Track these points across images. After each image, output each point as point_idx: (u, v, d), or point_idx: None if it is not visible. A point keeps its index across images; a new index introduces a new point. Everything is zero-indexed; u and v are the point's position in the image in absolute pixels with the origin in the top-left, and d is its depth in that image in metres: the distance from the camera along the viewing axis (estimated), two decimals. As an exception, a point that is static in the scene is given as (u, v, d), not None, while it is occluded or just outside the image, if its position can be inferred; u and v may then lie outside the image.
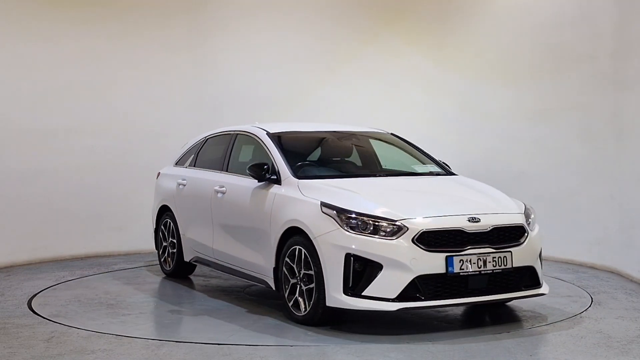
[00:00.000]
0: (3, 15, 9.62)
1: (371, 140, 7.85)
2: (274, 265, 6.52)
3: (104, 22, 10.24)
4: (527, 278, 6.20)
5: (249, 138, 7.59)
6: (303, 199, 6.31)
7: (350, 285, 5.79)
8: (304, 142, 7.60)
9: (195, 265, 8.35)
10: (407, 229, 5.79)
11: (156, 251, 8.99)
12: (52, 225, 9.91)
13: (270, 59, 10.96)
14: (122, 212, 10.36)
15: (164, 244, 8.66)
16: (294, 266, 6.25)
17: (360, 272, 5.79)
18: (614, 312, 6.64)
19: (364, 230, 5.84)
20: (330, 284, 5.86)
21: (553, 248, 9.00)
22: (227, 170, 7.65)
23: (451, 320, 6.46)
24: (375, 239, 5.79)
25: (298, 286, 6.22)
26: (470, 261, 5.84)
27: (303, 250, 6.13)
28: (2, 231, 9.48)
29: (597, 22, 8.86)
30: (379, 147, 7.82)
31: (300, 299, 6.19)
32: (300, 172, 6.76)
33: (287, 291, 6.34)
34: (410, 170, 7.36)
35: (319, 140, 7.63)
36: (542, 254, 6.53)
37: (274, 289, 6.59)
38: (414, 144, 7.92)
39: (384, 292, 5.72)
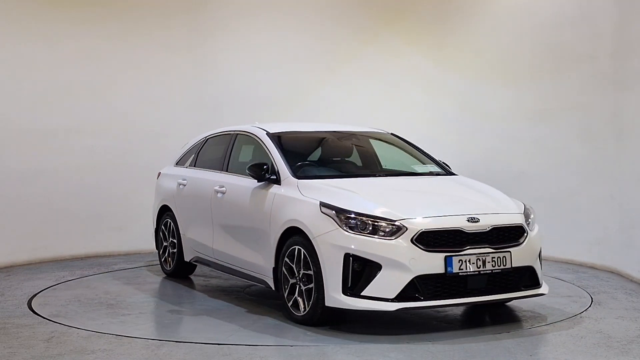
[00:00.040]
0: (3, 15, 9.62)
1: (371, 140, 7.85)
2: (273, 265, 6.52)
3: (104, 22, 10.25)
4: (526, 278, 6.20)
5: (249, 138, 7.59)
6: (302, 199, 6.31)
7: (349, 285, 5.79)
8: (304, 142, 7.60)
9: (196, 265, 8.35)
10: (406, 229, 5.79)
11: (156, 251, 8.99)
12: (52, 225, 9.91)
13: (270, 59, 10.97)
14: (122, 212, 10.36)
15: (164, 244, 8.66)
16: (294, 266, 6.25)
17: (360, 272, 5.78)
18: (614, 312, 6.64)
19: (363, 230, 5.84)
20: (330, 284, 5.86)
21: (553, 248, 9.00)
22: (227, 170, 7.65)
23: (451, 320, 6.46)
24: (375, 239, 5.79)
25: (297, 286, 6.22)
26: (469, 261, 5.84)
27: (302, 250, 6.13)
28: (2, 231, 9.48)
29: (597, 22, 8.86)
30: (379, 147, 7.82)
31: (300, 299, 6.19)
32: (299, 172, 6.76)
33: (287, 291, 6.34)
34: (410, 170, 7.36)
35: (319, 140, 7.63)
36: (542, 254, 6.53)
37: (273, 289, 6.59)
38: (414, 144, 7.92)
39: (383, 292, 5.72)
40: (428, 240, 5.80)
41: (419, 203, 6.24)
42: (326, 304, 5.92)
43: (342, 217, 5.91)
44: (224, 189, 7.43)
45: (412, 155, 7.67)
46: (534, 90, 9.75)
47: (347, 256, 5.79)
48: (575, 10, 9.18)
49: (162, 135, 10.49)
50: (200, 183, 7.96)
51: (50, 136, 9.91)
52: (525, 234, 6.20)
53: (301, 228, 6.15)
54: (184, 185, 8.25)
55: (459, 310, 6.73)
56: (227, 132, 8.10)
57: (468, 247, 5.87)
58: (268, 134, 7.30)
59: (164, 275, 8.65)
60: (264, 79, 10.90)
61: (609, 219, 8.70)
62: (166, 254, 8.64)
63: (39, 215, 9.83)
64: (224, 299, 7.39)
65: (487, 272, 5.90)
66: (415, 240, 5.77)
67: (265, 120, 8.76)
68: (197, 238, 7.93)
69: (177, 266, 8.42)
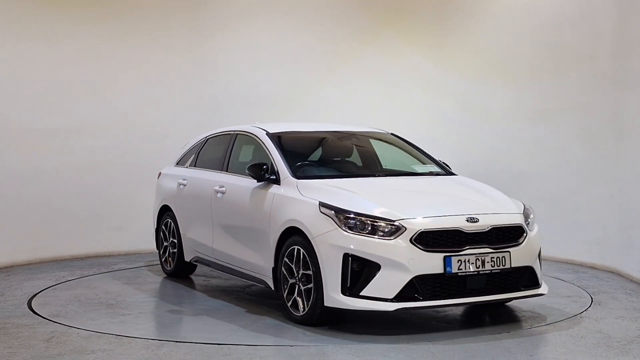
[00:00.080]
0: (3, 15, 9.62)
1: (371, 140, 7.85)
2: (272, 265, 6.52)
3: (104, 22, 10.25)
4: (526, 278, 6.19)
5: (249, 138, 7.59)
6: (302, 199, 6.31)
7: (348, 285, 5.79)
8: (304, 142, 7.60)
9: (196, 265, 8.35)
10: (405, 229, 5.79)
11: (157, 251, 8.99)
12: (52, 225, 9.91)
13: (270, 59, 10.97)
14: (122, 212, 10.36)
15: (165, 243, 8.66)
16: (293, 266, 6.25)
17: (359, 272, 5.78)
18: (614, 312, 6.63)
19: (362, 230, 5.84)
20: (329, 284, 5.86)
21: (553, 248, 9.00)
22: (227, 170, 7.66)
23: (450, 321, 6.46)
24: (374, 239, 5.79)
25: (297, 286, 6.22)
26: (468, 261, 5.83)
27: (301, 250, 6.13)
28: (2, 231, 9.48)
29: (597, 22, 8.86)
30: (379, 147, 7.82)
31: (299, 299, 6.19)
32: (299, 172, 6.76)
33: (286, 291, 6.34)
34: (409, 170, 7.36)
35: (318, 140, 7.63)
36: (542, 254, 6.53)
37: (273, 289, 6.59)
38: (414, 144, 7.92)
39: (382, 292, 5.72)
40: (427, 240, 5.79)
41: (418, 203, 6.24)
42: (325, 304, 5.91)
43: (341, 217, 5.91)
44: (224, 189, 7.43)
45: (412, 155, 7.67)
46: (534, 90, 9.75)
47: (346, 256, 5.79)
48: (575, 10, 9.18)
49: (162, 135, 10.49)
50: (200, 183, 7.97)
51: (50, 136, 9.91)
52: (525, 234, 6.19)
53: (300, 228, 6.15)
54: (184, 185, 8.26)
55: (459, 311, 6.73)
56: (227, 132, 8.10)
57: (467, 247, 5.87)
58: (268, 134, 7.30)
59: (165, 275, 8.65)
60: (264, 79, 10.90)
61: (609, 219, 8.70)
62: (166, 254, 8.64)
63: (39, 215, 9.83)
64: (223, 298, 7.39)
65: (486, 272, 5.90)
66: (414, 240, 5.77)
67: (265, 120, 8.76)
68: (197, 238, 7.93)
69: (177, 266, 8.42)
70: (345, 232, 5.85)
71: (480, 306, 6.69)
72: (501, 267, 5.96)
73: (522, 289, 6.16)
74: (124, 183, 10.37)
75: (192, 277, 8.56)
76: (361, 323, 6.25)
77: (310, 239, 6.02)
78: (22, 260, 9.54)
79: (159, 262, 8.94)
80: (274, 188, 6.69)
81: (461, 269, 5.81)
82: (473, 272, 5.84)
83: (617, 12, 8.53)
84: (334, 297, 5.84)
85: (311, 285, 6.03)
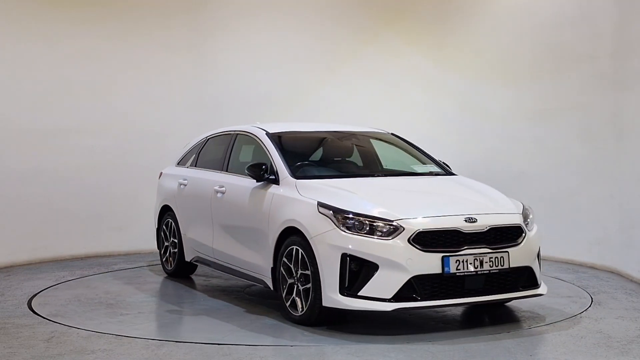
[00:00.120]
0: (3, 15, 9.63)
1: (372, 140, 7.85)
2: (272, 265, 6.52)
3: (104, 22, 10.25)
4: (524, 278, 6.19)
5: (249, 138, 7.60)
6: (300, 199, 6.31)
7: (346, 285, 5.79)
8: (304, 142, 7.60)
9: (197, 265, 8.35)
10: (403, 229, 5.79)
11: (157, 251, 9.00)
12: (52, 225, 9.91)
13: (270, 59, 10.97)
14: (122, 212, 10.36)
15: (166, 243, 8.67)
16: (291, 266, 6.25)
17: (357, 272, 5.78)
18: (614, 312, 6.63)
19: (360, 230, 5.84)
20: (327, 284, 5.86)
21: (553, 248, 9.01)
22: (227, 170, 7.66)
23: (449, 321, 6.45)
24: (372, 239, 5.79)
25: (295, 286, 6.23)
26: (466, 261, 5.83)
27: (300, 250, 6.13)
28: (2, 231, 9.48)
29: (597, 22, 8.86)
30: (379, 147, 7.82)
31: (298, 299, 6.19)
32: (298, 172, 6.77)
33: (285, 291, 6.35)
34: (409, 170, 7.36)
35: (318, 140, 7.63)
36: (542, 254, 6.52)
37: (272, 289, 6.60)
38: (414, 144, 7.92)
39: (380, 293, 5.72)
40: (425, 240, 5.79)
41: (416, 203, 6.23)
42: (323, 304, 5.91)
43: (340, 217, 5.91)
44: (223, 189, 7.43)
45: (412, 155, 7.67)
46: (534, 90, 9.75)
47: (344, 256, 5.79)
48: (575, 10, 9.18)
49: (162, 135, 10.49)
50: (200, 183, 7.97)
51: (50, 136, 9.91)
52: (524, 234, 6.18)
53: (299, 228, 6.15)
54: (185, 185, 8.26)
55: (458, 311, 6.73)
56: (227, 132, 8.10)
57: (465, 247, 5.86)
58: (267, 134, 7.30)
59: (165, 275, 8.66)
60: (264, 79, 10.90)
61: (609, 219, 8.70)
62: (167, 254, 8.65)
63: (39, 215, 9.83)
64: (223, 298, 7.39)
65: (485, 272, 5.90)
66: (412, 240, 5.76)
67: (265, 120, 8.76)
68: (197, 238, 7.94)
69: (178, 266, 8.43)
70: (343, 232, 5.85)
71: (479, 306, 6.69)
72: (500, 267, 5.95)
73: (521, 289, 6.15)
74: (124, 183, 10.37)
75: (193, 277, 8.57)
76: (360, 323, 6.25)
77: (308, 239, 6.02)
78: (22, 260, 9.54)
79: (159, 262, 8.94)
80: (273, 188, 6.69)
81: (459, 269, 5.80)
82: (471, 272, 5.84)
83: (617, 12, 8.53)
84: (332, 297, 5.84)
85: (310, 285, 6.03)
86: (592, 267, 8.88)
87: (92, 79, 10.20)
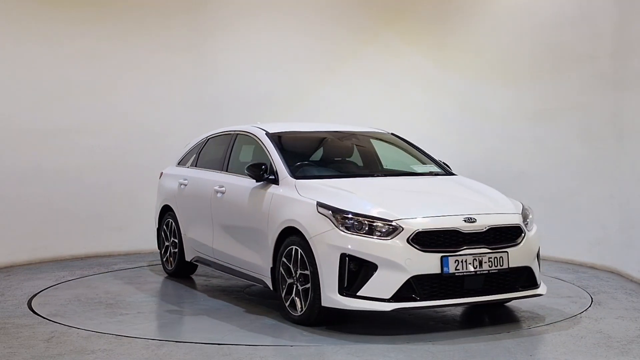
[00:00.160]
0: (3, 15, 9.63)
1: (372, 141, 7.84)
2: (271, 265, 6.53)
3: (104, 22, 10.25)
4: (524, 278, 6.18)
5: (249, 138, 7.60)
6: (300, 199, 6.31)
7: (345, 285, 5.79)
8: (303, 142, 7.60)
9: (197, 265, 8.35)
10: (402, 229, 5.79)
11: (158, 251, 9.00)
12: (52, 225, 9.91)
13: (270, 59, 10.97)
14: (122, 212, 10.36)
15: (166, 243, 8.67)
16: (291, 266, 6.25)
17: (356, 272, 5.78)
18: (614, 312, 6.63)
19: (360, 230, 5.84)
20: (326, 284, 5.86)
21: (553, 248, 9.01)
22: (227, 170, 7.66)
23: (449, 321, 6.45)
24: (371, 239, 5.79)
25: (295, 286, 6.23)
26: (465, 261, 5.83)
27: (299, 250, 6.13)
28: (2, 231, 9.48)
29: (597, 22, 8.86)
30: (379, 147, 7.82)
31: (297, 299, 6.19)
32: (298, 172, 6.77)
33: (284, 291, 6.35)
34: (409, 171, 7.36)
35: (318, 140, 7.63)
36: (542, 254, 6.52)
37: (271, 289, 6.60)
38: (414, 144, 7.92)
39: (378, 293, 5.72)
40: (424, 240, 5.79)
41: (415, 203, 6.23)
42: (322, 304, 5.91)
43: (339, 217, 5.91)
44: (223, 189, 7.43)
45: (412, 155, 7.66)
46: (534, 90, 9.75)
47: (343, 256, 5.79)
48: (575, 10, 9.18)
49: (162, 135, 10.50)
50: (200, 183, 7.97)
51: (50, 136, 9.91)
52: (523, 235, 6.18)
53: (298, 228, 6.15)
54: (185, 185, 8.26)
55: (458, 311, 6.73)
56: (227, 132, 8.11)
57: (465, 247, 5.86)
58: (267, 134, 7.30)
59: (166, 275, 8.66)
60: (264, 79, 10.90)
61: (608, 219, 8.70)
62: (168, 254, 8.65)
63: (39, 215, 9.83)
64: (223, 298, 7.39)
65: (484, 272, 5.89)
66: (411, 240, 5.76)
67: (266, 120, 8.76)
68: (197, 238, 7.94)
69: (178, 266, 8.43)
70: (342, 232, 5.85)
71: (479, 306, 6.69)
72: (499, 267, 5.95)
73: (520, 289, 6.15)
74: (124, 183, 10.37)
75: (193, 277, 8.57)
76: (359, 323, 6.25)
77: (307, 239, 6.02)
78: (22, 260, 9.54)
79: (160, 262, 8.94)
80: (273, 188, 6.69)
81: (458, 269, 5.80)
82: (471, 272, 5.84)
83: (617, 12, 8.53)
84: (331, 297, 5.84)
85: (309, 285, 6.03)
86: (592, 267, 8.88)
87: (92, 79, 10.21)
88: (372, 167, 7.56)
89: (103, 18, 10.25)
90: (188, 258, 8.22)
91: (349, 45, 11.29)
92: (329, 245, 5.86)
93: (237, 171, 7.45)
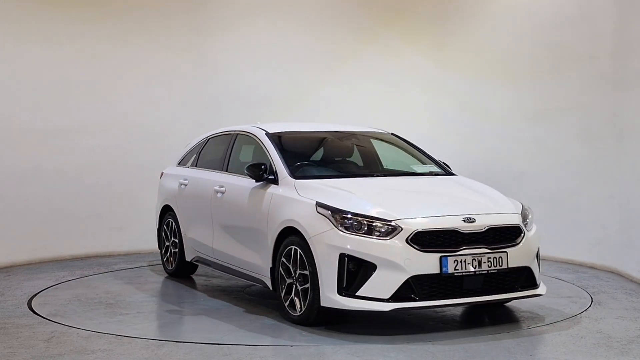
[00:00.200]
0: (3, 15, 9.63)
1: (372, 140, 7.84)
2: (270, 265, 6.53)
3: (104, 22, 10.25)
4: (523, 279, 6.18)
5: (249, 138, 7.60)
6: (299, 199, 6.31)
7: (344, 285, 5.79)
8: (303, 142, 7.60)
9: (198, 265, 8.35)
10: (401, 229, 5.79)
11: (158, 251, 9.00)
12: (52, 225, 9.91)
13: (270, 59, 10.97)
14: (122, 212, 10.37)
15: (166, 243, 8.68)
16: (290, 266, 6.25)
17: (355, 272, 5.78)
18: (614, 312, 6.63)
19: (359, 230, 5.83)
20: (325, 284, 5.86)
21: (553, 248, 9.01)
22: (227, 170, 7.66)
23: (449, 321, 6.45)
24: (370, 239, 5.79)
25: (294, 286, 6.23)
26: (465, 261, 5.83)
27: (298, 250, 6.13)
28: (2, 231, 9.48)
29: (597, 22, 8.86)
30: (379, 147, 7.82)
31: (296, 299, 6.19)
32: (298, 172, 6.77)
33: (284, 291, 6.35)
34: (409, 170, 7.36)
35: (318, 140, 7.63)
36: (542, 254, 6.52)
37: (271, 289, 6.60)
38: (414, 144, 7.92)
39: (377, 293, 5.72)
40: (423, 240, 5.79)
41: (415, 203, 6.23)
42: (321, 304, 5.91)
43: (338, 217, 5.91)
44: (223, 189, 7.43)
45: (412, 155, 7.66)
46: (534, 90, 9.75)
47: (342, 256, 5.79)
48: (575, 10, 9.18)
49: (162, 135, 10.50)
50: (200, 183, 7.97)
51: (50, 136, 9.91)
52: (522, 235, 6.18)
53: (297, 228, 6.15)
54: (185, 185, 8.27)
55: (458, 311, 6.73)
56: (227, 132, 8.11)
57: (464, 247, 5.86)
58: (267, 134, 7.30)
59: (166, 275, 8.66)
60: (264, 79, 10.90)
61: (608, 219, 8.70)
62: (168, 254, 8.65)
63: (39, 215, 9.83)
64: (223, 298, 7.40)
65: (483, 272, 5.89)
66: (410, 240, 5.76)
67: (266, 120, 8.77)
68: (197, 238, 7.94)
69: (178, 266, 8.44)
70: (341, 232, 5.85)
71: (479, 306, 6.69)
72: (498, 267, 5.95)
73: (519, 289, 6.15)
74: (124, 183, 10.37)
75: (194, 276, 8.57)
76: (358, 323, 6.25)
77: (307, 239, 6.02)
78: (22, 260, 9.54)
79: (160, 262, 8.95)
80: (272, 188, 6.69)
81: (457, 269, 5.80)
82: (470, 272, 5.83)
83: (617, 12, 8.53)
84: (330, 297, 5.84)
85: (308, 285, 6.03)
86: (592, 267, 8.88)
87: (92, 79, 10.21)
88: (372, 167, 7.56)
89: (103, 18, 10.25)
90: (188, 258, 8.23)
91: (349, 45, 11.29)
92: (328, 245, 5.86)
93: (237, 171, 7.45)
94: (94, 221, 10.19)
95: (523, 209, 6.47)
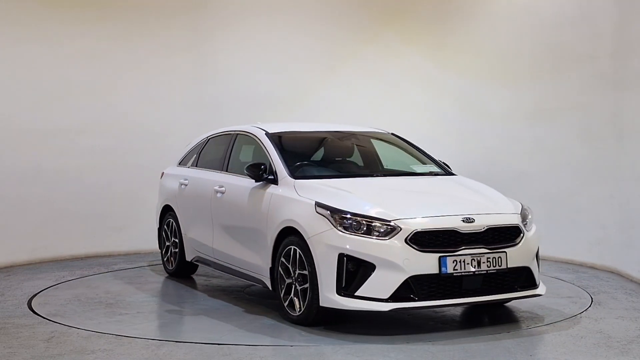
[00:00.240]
0: (3, 15, 9.63)
1: (372, 140, 7.84)
2: (270, 265, 6.53)
3: (104, 22, 10.25)
4: (523, 279, 6.18)
5: (249, 138, 7.60)
6: (298, 199, 6.31)
7: (343, 285, 5.79)
8: (303, 142, 7.60)
9: (198, 265, 8.36)
10: (401, 229, 5.79)
11: (159, 251, 9.00)
12: (52, 225, 9.91)
13: (270, 59, 10.97)
14: (122, 212, 10.37)
15: (167, 243, 8.68)
16: (289, 266, 6.25)
17: (354, 272, 5.78)
18: (614, 312, 6.63)
19: (358, 230, 5.83)
20: (324, 284, 5.86)
21: (553, 248, 9.01)
22: (227, 170, 7.66)
23: (448, 321, 6.45)
24: (369, 239, 5.79)
25: (293, 286, 6.23)
26: (464, 261, 5.82)
27: (298, 250, 6.13)
28: (2, 231, 9.48)
29: (597, 22, 8.86)
30: (379, 147, 7.82)
31: (295, 299, 6.19)
32: (297, 172, 6.76)
33: (283, 291, 6.35)
34: (409, 170, 7.36)
35: (318, 140, 7.64)
36: (542, 254, 6.51)
37: (270, 289, 6.60)
38: (414, 144, 7.92)
39: (376, 293, 5.72)
40: (422, 240, 5.78)
41: (414, 203, 6.22)
42: (320, 304, 5.91)
43: (337, 217, 5.91)
44: (223, 189, 7.44)
45: (412, 155, 7.66)
46: (533, 90, 9.75)
47: (341, 256, 5.79)
48: (575, 10, 9.18)
49: (163, 135, 10.50)
50: (201, 183, 7.98)
51: (50, 136, 9.92)
52: (522, 235, 6.17)
53: (297, 228, 6.15)
54: (186, 185, 8.27)
55: (457, 311, 6.73)
56: (227, 132, 8.11)
57: (463, 247, 5.86)
58: (267, 134, 7.30)
59: (167, 275, 8.66)
60: (264, 79, 10.90)
61: (608, 219, 8.70)
62: (168, 254, 8.66)
63: (39, 215, 9.83)
64: (223, 298, 7.40)
65: (482, 272, 5.89)
66: (410, 240, 5.76)
67: (266, 120, 8.76)
68: (197, 238, 7.94)
69: (179, 266, 8.44)
70: (340, 232, 5.85)
71: (479, 306, 6.69)
72: (497, 267, 5.95)
73: (519, 289, 6.14)
74: (124, 183, 10.37)
75: (194, 276, 8.57)
76: (358, 323, 6.25)
77: (306, 239, 6.02)
78: (22, 260, 9.54)
79: (160, 262, 8.95)
80: (272, 188, 6.69)
81: (457, 269, 5.80)
82: (469, 272, 5.83)
83: (617, 12, 8.53)
84: (329, 297, 5.84)
85: (307, 285, 6.03)
86: (592, 267, 8.88)
87: (92, 79, 10.21)
88: (372, 167, 7.56)
89: (103, 18, 10.25)
90: (188, 258, 8.23)
91: (349, 45, 11.29)
92: (327, 245, 5.86)
93: (237, 171, 7.45)
94: (94, 221, 10.19)
95: (522, 209, 6.47)
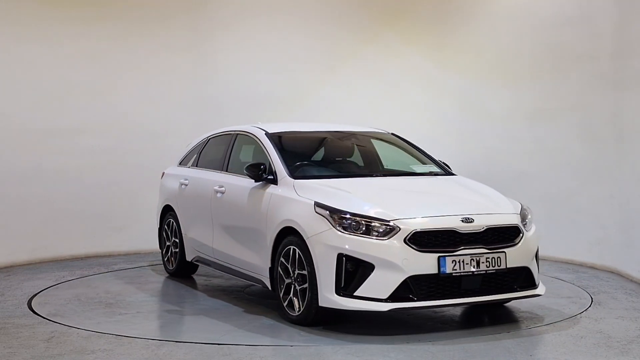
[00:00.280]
0: (3, 15, 9.64)
1: (372, 140, 7.84)
2: (269, 265, 6.53)
3: (104, 22, 10.25)
4: (522, 279, 6.17)
5: (249, 138, 7.60)
6: (298, 199, 6.31)
7: (342, 285, 5.79)
8: (303, 142, 7.60)
9: (198, 265, 8.36)
10: (400, 229, 5.78)
11: (159, 250, 9.00)
12: (52, 225, 9.91)
13: (270, 59, 10.97)
14: (122, 212, 10.37)
15: (167, 243, 8.68)
16: (289, 266, 6.25)
17: (353, 272, 5.78)
18: (614, 312, 6.63)
19: (357, 230, 5.83)
20: (323, 284, 5.86)
21: (553, 248, 9.01)
22: (227, 170, 7.67)
23: (448, 321, 6.45)
24: (368, 239, 5.78)
25: (292, 286, 6.23)
26: (463, 262, 5.82)
27: (297, 250, 6.13)
28: (2, 231, 9.48)
29: (597, 22, 8.86)
30: (379, 147, 7.82)
31: (295, 299, 6.19)
32: (297, 172, 6.76)
33: (282, 291, 6.35)
34: (409, 170, 7.36)
35: (318, 140, 7.64)
36: (542, 254, 6.51)
37: (270, 288, 6.60)
38: (414, 144, 7.92)
39: (375, 293, 5.72)
40: (421, 240, 5.78)
41: (413, 203, 6.22)
42: (320, 304, 5.92)
43: (336, 217, 5.90)
44: (223, 189, 7.44)
45: (412, 155, 7.66)
46: (534, 90, 9.75)
47: (340, 256, 5.79)
48: (575, 10, 9.18)
49: (163, 135, 10.50)
50: (201, 183, 7.98)
51: (50, 136, 9.92)
52: (521, 235, 6.17)
53: (296, 228, 6.15)
54: (186, 185, 8.27)
55: (457, 311, 6.73)
56: (228, 132, 8.12)
57: (462, 247, 5.85)
58: (267, 134, 7.31)
59: (167, 275, 8.66)
60: (264, 79, 10.90)
61: (608, 219, 8.70)
62: (169, 254, 8.66)
63: (39, 215, 9.83)
64: (223, 298, 7.40)
65: (482, 272, 5.89)
66: (409, 240, 5.76)
67: (266, 120, 8.77)
68: (198, 238, 7.94)
69: (179, 266, 8.44)
70: (339, 232, 5.85)
71: (478, 306, 6.69)
72: (496, 267, 5.94)
73: (518, 289, 6.14)
74: (124, 183, 10.37)
75: (194, 276, 8.57)
76: (357, 323, 6.25)
77: (305, 239, 6.02)
78: (22, 260, 9.54)
79: (161, 262, 8.95)
80: (271, 188, 6.70)
81: (456, 269, 5.80)
82: (468, 272, 5.83)
83: (617, 12, 8.53)
84: (328, 297, 5.84)
85: (306, 285, 6.03)
86: (592, 267, 8.88)
87: (92, 79, 10.21)
88: (372, 167, 7.56)
89: (103, 18, 10.25)
90: (189, 258, 8.23)
91: (349, 45, 11.29)
92: (327, 245, 5.86)
93: (237, 171, 7.45)
94: (94, 221, 10.19)
95: (522, 209, 6.47)
